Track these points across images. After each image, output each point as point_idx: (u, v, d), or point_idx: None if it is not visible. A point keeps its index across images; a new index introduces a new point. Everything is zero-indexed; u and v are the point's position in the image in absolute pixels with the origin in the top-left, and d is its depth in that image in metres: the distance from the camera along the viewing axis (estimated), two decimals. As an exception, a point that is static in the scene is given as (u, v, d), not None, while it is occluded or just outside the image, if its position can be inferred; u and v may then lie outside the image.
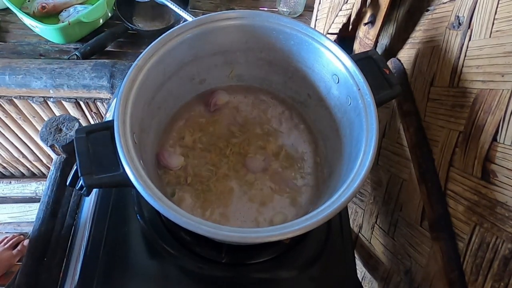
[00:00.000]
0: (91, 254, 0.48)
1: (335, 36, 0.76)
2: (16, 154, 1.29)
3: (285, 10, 1.03)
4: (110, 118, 0.43)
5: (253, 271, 0.49)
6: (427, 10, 0.54)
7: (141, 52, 0.43)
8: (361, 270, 0.71)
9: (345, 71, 0.45)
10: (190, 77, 0.53)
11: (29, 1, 0.94)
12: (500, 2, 0.40)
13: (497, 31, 0.40)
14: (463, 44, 0.45)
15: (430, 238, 0.49)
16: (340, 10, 0.74)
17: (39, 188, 1.42)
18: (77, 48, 0.93)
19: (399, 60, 0.60)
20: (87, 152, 0.39)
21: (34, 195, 1.44)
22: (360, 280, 0.55)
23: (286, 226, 0.36)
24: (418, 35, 0.56)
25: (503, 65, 0.39)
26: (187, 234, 0.49)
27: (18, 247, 1.22)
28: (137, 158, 0.38)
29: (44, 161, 1.36)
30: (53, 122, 0.69)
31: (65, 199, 0.69)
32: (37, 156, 1.32)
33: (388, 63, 0.62)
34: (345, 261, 0.52)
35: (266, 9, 1.09)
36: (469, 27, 0.44)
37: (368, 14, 0.65)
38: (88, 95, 0.93)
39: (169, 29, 0.45)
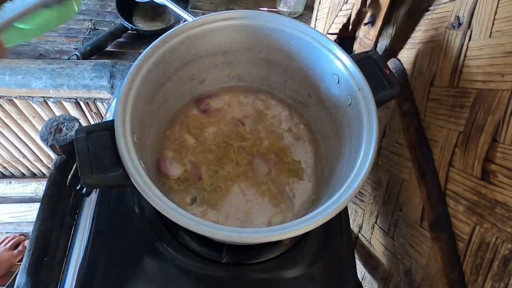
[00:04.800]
0: (91, 254, 0.48)
1: (335, 36, 0.76)
2: (16, 154, 1.29)
3: (285, 10, 1.03)
4: (110, 118, 0.43)
5: (253, 271, 0.49)
6: (427, 10, 0.54)
7: (141, 52, 0.43)
8: (361, 270, 0.71)
9: (345, 71, 0.45)
10: (190, 77, 0.53)
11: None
12: (500, 2, 0.40)
13: (497, 31, 0.40)
14: (463, 44, 0.45)
15: (430, 238, 0.49)
16: (340, 10, 0.74)
17: (39, 188, 1.42)
18: (77, 48, 0.93)
19: (399, 60, 0.60)
20: (87, 152, 0.39)
21: (34, 195, 1.44)
22: (360, 280, 0.55)
23: (286, 226, 0.36)
24: (418, 35, 0.56)
25: (503, 65, 0.39)
26: (187, 234, 0.49)
27: (19, 247, 1.22)
28: (137, 158, 0.38)
29: (44, 161, 1.36)
30: (53, 122, 0.69)
31: (65, 199, 0.69)
32: (37, 156, 1.32)
33: (388, 63, 0.62)
34: (345, 261, 0.52)
35: (266, 9, 1.09)
36: (469, 27, 0.44)
37: (368, 14, 0.65)
38: (88, 95, 0.93)
39: (169, 29, 0.45)
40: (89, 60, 0.91)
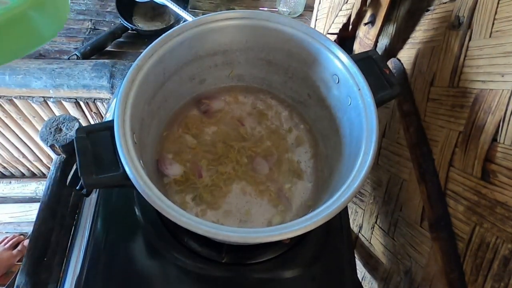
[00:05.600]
0: (91, 254, 0.48)
1: (335, 36, 0.76)
2: (16, 154, 1.29)
3: (285, 10, 1.03)
4: (110, 118, 0.43)
5: (253, 271, 0.49)
6: (427, 10, 0.54)
7: (141, 52, 0.43)
8: (361, 270, 0.71)
9: (345, 71, 0.45)
10: (190, 77, 0.53)
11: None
12: (500, 2, 0.40)
13: (497, 31, 0.40)
14: (463, 44, 0.45)
15: (430, 238, 0.49)
16: (340, 10, 0.74)
17: (39, 188, 1.43)
18: (77, 48, 0.93)
19: (399, 60, 0.60)
20: (87, 152, 0.39)
21: (34, 195, 1.44)
22: (360, 280, 0.55)
23: (286, 226, 0.36)
24: (418, 35, 0.56)
25: (503, 65, 0.39)
26: (187, 234, 0.49)
27: (18, 247, 1.22)
28: (137, 158, 0.38)
29: (44, 161, 1.36)
30: (53, 122, 0.69)
31: (65, 199, 0.69)
32: (37, 156, 1.32)
33: (388, 63, 0.62)
34: (345, 261, 0.52)
35: (266, 9, 1.09)
36: (469, 27, 0.44)
37: (368, 14, 0.65)
38: (88, 95, 0.93)
39: (169, 29, 0.45)
40: (89, 60, 0.91)
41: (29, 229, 1.37)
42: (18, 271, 0.61)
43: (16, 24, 0.28)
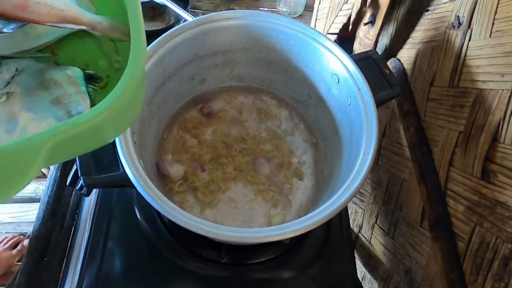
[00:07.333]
0: (91, 254, 0.48)
1: (335, 36, 0.76)
2: (16, 154, 1.28)
3: (285, 10, 1.03)
4: (110, 118, 0.43)
5: (253, 271, 0.49)
6: (427, 10, 0.54)
7: (141, 52, 0.43)
8: (361, 270, 0.71)
9: (345, 71, 0.45)
10: (190, 77, 0.53)
11: None
12: (500, 2, 0.40)
13: (497, 31, 0.40)
14: (463, 44, 0.45)
15: (430, 238, 0.49)
16: (340, 10, 0.74)
17: (39, 188, 1.42)
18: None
19: (399, 60, 0.60)
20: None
21: (34, 195, 1.43)
22: (360, 280, 0.55)
23: (286, 226, 0.36)
24: (418, 35, 0.56)
25: (503, 65, 0.39)
26: (187, 234, 0.49)
27: (18, 247, 1.22)
28: (137, 158, 0.38)
29: (44, 161, 1.36)
30: (53, 122, 0.68)
31: (65, 199, 0.69)
32: (37, 156, 1.32)
33: (388, 63, 0.62)
34: (345, 261, 0.52)
35: (266, 9, 1.09)
36: (469, 27, 0.44)
37: (368, 14, 0.65)
38: (88, 95, 0.93)
39: (169, 29, 0.45)
40: (89, 60, 0.91)
41: (29, 229, 1.37)
42: (18, 271, 0.61)
43: (87, 135, 0.24)
